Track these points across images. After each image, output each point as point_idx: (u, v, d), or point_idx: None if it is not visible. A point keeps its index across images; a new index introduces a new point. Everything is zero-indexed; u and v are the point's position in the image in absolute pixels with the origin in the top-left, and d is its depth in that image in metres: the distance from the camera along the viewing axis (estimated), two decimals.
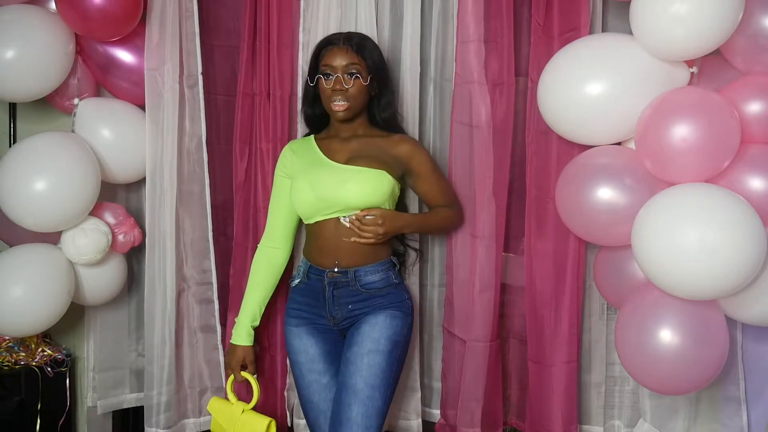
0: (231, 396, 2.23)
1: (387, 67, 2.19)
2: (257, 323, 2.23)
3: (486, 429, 2.30)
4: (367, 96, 2.12)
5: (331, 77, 2.07)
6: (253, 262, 2.27)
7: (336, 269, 2.10)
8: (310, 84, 2.16)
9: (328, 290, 2.12)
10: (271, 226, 2.24)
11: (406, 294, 2.16)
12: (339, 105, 2.06)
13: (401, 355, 2.09)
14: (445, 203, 2.20)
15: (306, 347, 2.16)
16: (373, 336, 2.03)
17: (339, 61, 2.07)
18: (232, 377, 2.23)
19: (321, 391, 2.14)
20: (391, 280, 2.13)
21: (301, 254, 2.25)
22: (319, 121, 2.25)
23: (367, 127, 2.18)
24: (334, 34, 2.18)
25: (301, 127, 2.40)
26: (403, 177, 2.17)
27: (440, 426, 2.40)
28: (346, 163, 2.11)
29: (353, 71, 2.06)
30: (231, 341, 2.23)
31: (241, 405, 2.19)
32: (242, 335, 2.21)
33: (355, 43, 2.09)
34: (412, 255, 2.33)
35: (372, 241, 2.06)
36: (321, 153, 2.16)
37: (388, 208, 2.11)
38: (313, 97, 2.19)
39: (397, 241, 2.24)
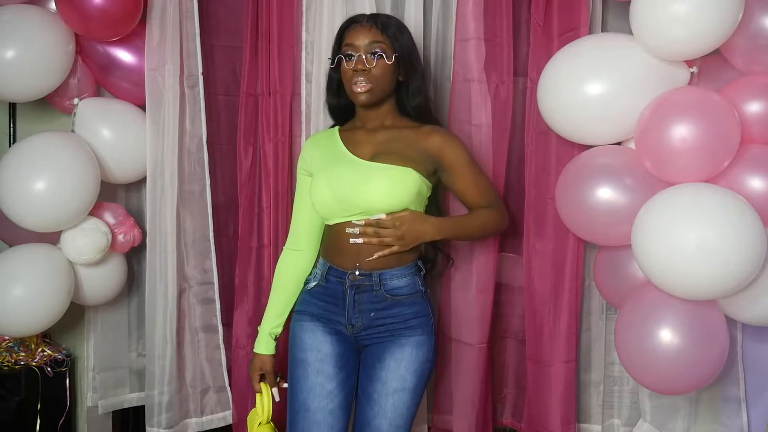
0: (257, 403, 2.11)
1: (417, 51, 2.01)
2: (279, 331, 2.09)
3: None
4: (393, 80, 1.95)
5: (352, 57, 1.91)
6: (276, 266, 2.12)
7: (358, 272, 1.93)
8: (331, 66, 2.01)
9: (349, 294, 1.95)
10: (294, 228, 2.09)
11: (430, 306, 1.98)
12: (359, 86, 1.90)
13: (426, 381, 1.96)
14: (485, 203, 2.00)
15: (319, 344, 1.97)
16: (399, 373, 1.89)
17: (361, 39, 1.91)
18: (266, 395, 2.10)
19: (323, 398, 1.93)
20: (417, 286, 1.96)
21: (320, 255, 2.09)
22: (344, 113, 2.08)
23: (396, 116, 2.01)
24: (358, 14, 2.04)
25: (305, 127, 2.39)
26: (435, 173, 1.98)
27: None
28: (371, 159, 1.94)
29: (377, 50, 1.90)
30: (253, 350, 2.11)
31: (258, 418, 2.08)
32: (261, 344, 2.08)
33: (381, 22, 1.94)
34: (441, 261, 2.17)
35: (395, 249, 1.88)
36: (343, 146, 1.99)
37: (414, 209, 1.93)
38: (338, 84, 2.03)
39: (426, 244, 2.05)
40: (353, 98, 1.96)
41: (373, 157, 1.95)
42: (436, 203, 2.10)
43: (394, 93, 2.00)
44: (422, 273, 2.01)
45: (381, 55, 1.91)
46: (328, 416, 1.92)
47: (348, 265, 1.95)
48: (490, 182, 2.07)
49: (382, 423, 1.87)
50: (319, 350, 1.98)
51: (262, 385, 2.09)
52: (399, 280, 1.94)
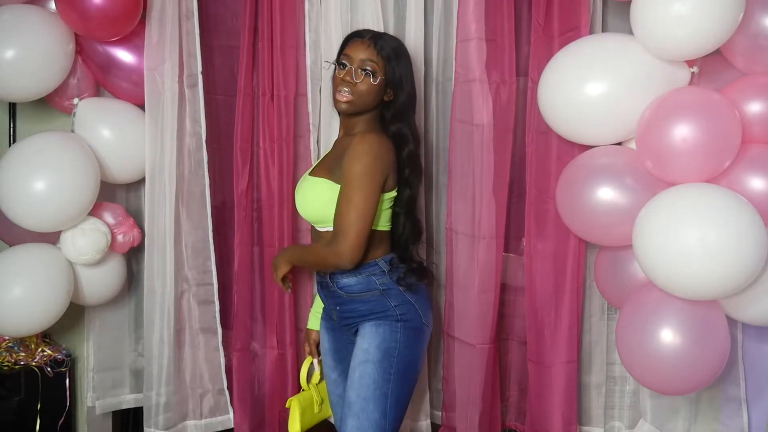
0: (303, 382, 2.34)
1: (412, 78, 2.07)
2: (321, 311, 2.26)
3: None
4: (377, 99, 2.03)
5: (345, 67, 2.01)
6: None
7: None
8: (328, 69, 2.13)
9: (318, 288, 2.16)
10: None
11: (395, 302, 2.00)
12: (342, 95, 1.99)
13: (399, 363, 1.97)
14: (335, 227, 1.95)
15: (323, 341, 2.20)
16: (363, 347, 1.98)
17: (357, 53, 2.01)
18: (306, 362, 2.33)
19: (331, 386, 2.18)
20: (372, 285, 2.01)
21: None
22: None
23: (368, 127, 2.05)
24: (365, 29, 2.15)
25: (313, 129, 2.40)
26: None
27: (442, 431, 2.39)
28: (313, 170, 2.11)
29: (367, 68, 1.99)
30: None
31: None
32: (309, 320, 2.33)
33: (380, 43, 2.02)
34: (418, 271, 2.09)
35: (279, 272, 2.16)
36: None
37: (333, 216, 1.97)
38: None
39: (402, 251, 2.08)
40: (334, 104, 2.05)
41: (314, 169, 2.11)
42: (405, 209, 2.07)
43: (376, 108, 2.06)
44: (387, 274, 2.02)
45: (369, 74, 1.99)
46: (338, 400, 2.13)
47: None
48: (358, 213, 1.91)
49: (351, 394, 1.96)
50: (323, 345, 2.21)
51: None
52: (349, 279, 2.02)
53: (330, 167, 2.03)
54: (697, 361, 1.88)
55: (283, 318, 2.42)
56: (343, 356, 2.12)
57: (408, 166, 2.06)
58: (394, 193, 2.04)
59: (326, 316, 2.19)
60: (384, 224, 2.04)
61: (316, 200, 2.01)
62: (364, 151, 1.94)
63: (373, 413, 1.93)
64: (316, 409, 2.26)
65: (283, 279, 2.20)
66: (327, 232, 2.00)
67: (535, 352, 2.25)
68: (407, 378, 2.00)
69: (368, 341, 1.98)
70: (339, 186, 1.95)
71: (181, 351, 2.48)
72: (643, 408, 2.23)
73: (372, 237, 1.98)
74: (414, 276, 2.05)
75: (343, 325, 2.10)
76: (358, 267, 1.99)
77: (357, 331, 2.04)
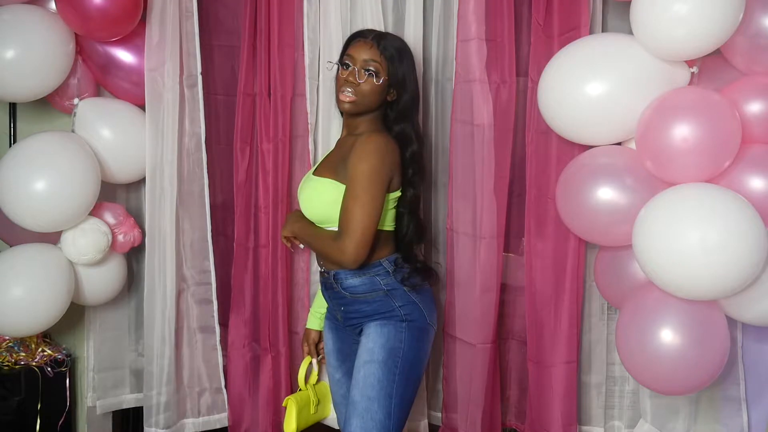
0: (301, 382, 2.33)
1: (415, 77, 2.09)
2: (323, 311, 2.25)
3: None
4: (380, 98, 2.04)
5: (348, 68, 2.02)
6: None
7: (322, 269, 2.12)
8: (331, 71, 2.15)
9: (323, 290, 2.16)
10: None
11: (400, 302, 2.01)
12: (345, 95, 2.01)
13: (404, 363, 1.98)
14: (340, 225, 1.94)
15: (326, 340, 2.21)
16: (368, 346, 1.99)
17: (360, 54, 2.01)
18: (304, 362, 2.32)
19: (334, 385, 2.19)
20: (377, 285, 2.02)
21: None
22: None
23: (372, 127, 2.06)
24: (368, 29, 2.15)
25: (311, 129, 2.40)
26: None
27: (442, 431, 2.39)
28: (316, 170, 2.11)
29: (370, 68, 2.00)
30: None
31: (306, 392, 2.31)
32: (308, 320, 2.33)
33: (383, 43, 2.03)
34: (422, 271, 2.09)
35: (284, 234, 2.15)
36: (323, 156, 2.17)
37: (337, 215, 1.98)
38: None
39: (407, 251, 2.08)
40: (338, 104, 2.07)
41: (318, 169, 2.11)
42: (409, 209, 2.07)
43: (379, 108, 2.07)
44: (392, 274, 2.03)
45: (372, 74, 2.00)
46: (342, 400, 2.15)
47: (320, 263, 2.15)
48: (365, 212, 1.91)
49: (355, 393, 1.97)
50: (327, 345, 2.21)
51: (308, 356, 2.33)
52: (353, 279, 2.03)
53: (334, 167, 2.03)
54: (697, 361, 1.88)
55: (276, 318, 2.41)
56: (347, 356, 2.13)
57: (412, 166, 2.06)
58: (398, 193, 2.04)
59: (330, 316, 2.19)
60: (388, 224, 2.05)
61: (321, 200, 2.02)
62: (371, 151, 1.94)
63: (378, 413, 1.93)
64: (312, 410, 2.26)
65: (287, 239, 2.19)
66: (331, 232, 2.01)
67: (535, 352, 2.25)
68: (412, 378, 2.01)
69: (373, 341, 1.99)
70: (344, 186, 1.96)
71: (179, 350, 2.48)
72: (643, 408, 2.23)
73: (376, 237, 1.98)
74: (418, 276, 2.06)
75: (347, 326, 2.10)
76: (362, 267, 2.00)
77: (361, 331, 2.05)
